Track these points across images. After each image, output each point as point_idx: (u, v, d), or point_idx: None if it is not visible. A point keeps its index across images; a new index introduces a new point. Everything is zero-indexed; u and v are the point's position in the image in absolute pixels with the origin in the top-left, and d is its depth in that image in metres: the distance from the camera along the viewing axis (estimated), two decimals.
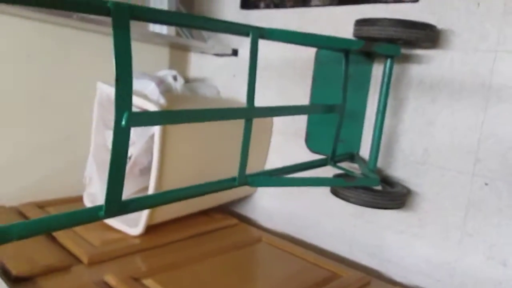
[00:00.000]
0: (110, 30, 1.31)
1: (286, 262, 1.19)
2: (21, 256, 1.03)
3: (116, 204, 0.67)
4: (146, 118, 0.65)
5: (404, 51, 1.15)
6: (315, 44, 0.96)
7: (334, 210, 1.36)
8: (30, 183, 1.36)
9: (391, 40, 1.04)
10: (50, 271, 1.01)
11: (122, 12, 0.62)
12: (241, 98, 1.58)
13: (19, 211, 1.29)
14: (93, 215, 0.65)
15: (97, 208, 0.66)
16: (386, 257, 1.26)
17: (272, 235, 1.37)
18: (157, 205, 0.76)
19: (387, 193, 1.07)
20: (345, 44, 0.96)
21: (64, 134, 1.40)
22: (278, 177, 0.95)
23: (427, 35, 1.03)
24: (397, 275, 1.24)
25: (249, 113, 0.83)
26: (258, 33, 0.84)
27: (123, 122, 0.62)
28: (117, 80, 0.61)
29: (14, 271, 0.96)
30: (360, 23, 1.05)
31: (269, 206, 1.54)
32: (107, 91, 1.23)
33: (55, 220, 0.62)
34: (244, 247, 1.25)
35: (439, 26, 1.11)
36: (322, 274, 1.13)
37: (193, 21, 0.73)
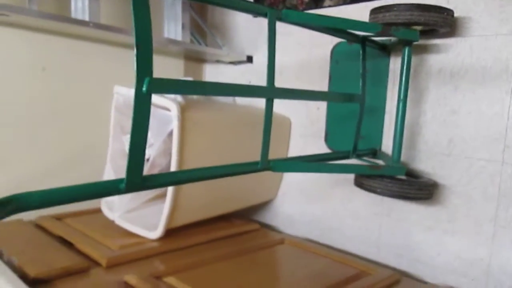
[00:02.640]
0: (124, 38, 1.33)
1: (311, 261, 1.14)
2: (39, 260, 1.01)
3: (137, 177, 0.65)
4: (167, 85, 0.64)
5: (421, 41, 1.14)
6: (331, 26, 0.95)
7: (358, 211, 1.31)
8: None
9: (408, 25, 1.03)
10: (68, 274, 0.98)
11: None
12: (258, 104, 1.57)
13: (36, 224, 1.27)
14: (113, 188, 0.63)
15: (118, 181, 0.64)
16: (415, 257, 1.20)
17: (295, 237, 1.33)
18: (178, 183, 0.73)
19: (414, 183, 1.03)
20: (362, 27, 0.95)
21: (81, 144, 1.39)
22: (301, 162, 0.92)
23: (444, 19, 1.02)
24: (428, 276, 1.18)
25: (269, 92, 0.82)
26: (275, 15, 0.83)
27: (144, 88, 0.61)
28: (137, 46, 0.61)
29: (32, 273, 0.93)
30: (376, 10, 1.04)
31: (290, 212, 1.50)
32: (125, 93, 1.23)
33: (76, 190, 0.59)
34: (266, 248, 1.21)
35: (456, 14, 1.10)
36: (349, 272, 1.07)
37: None
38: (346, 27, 0.95)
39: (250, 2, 0.80)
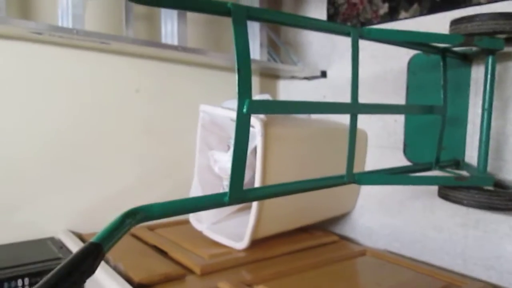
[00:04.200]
0: (207, 59, 1.42)
1: (395, 272, 1.14)
2: (140, 267, 1.10)
3: (239, 191, 0.71)
4: (263, 106, 0.70)
5: (505, 49, 1.11)
6: (412, 40, 0.97)
7: (441, 222, 1.29)
8: None
9: (492, 35, 1.02)
10: (167, 280, 1.06)
11: (240, 12, 0.68)
12: (332, 118, 1.60)
13: (132, 234, 1.39)
14: (219, 201, 0.70)
15: (223, 195, 0.70)
16: (507, 269, 1.16)
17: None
18: (271, 196, 0.78)
19: (504, 193, 1.01)
20: (444, 39, 0.96)
21: (171, 159, 1.50)
22: (385, 175, 0.94)
23: None
24: None
25: (354, 108, 0.85)
26: (357, 33, 0.87)
27: (245, 109, 0.67)
28: (238, 70, 0.67)
29: (136, 278, 1.03)
30: (457, 21, 1.04)
31: (369, 224, 1.50)
32: (210, 111, 1.32)
33: (188, 202, 0.66)
34: (349, 259, 1.23)
35: None
36: (437, 284, 1.06)
37: (299, 21, 0.78)
38: (427, 40, 0.97)
39: (334, 23, 0.84)
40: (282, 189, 0.79)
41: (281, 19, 0.76)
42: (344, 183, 0.90)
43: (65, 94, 1.30)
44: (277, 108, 0.73)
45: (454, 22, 1.05)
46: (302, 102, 0.75)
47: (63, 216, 1.33)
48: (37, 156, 1.27)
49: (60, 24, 1.15)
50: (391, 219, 1.43)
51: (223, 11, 0.68)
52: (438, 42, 1.00)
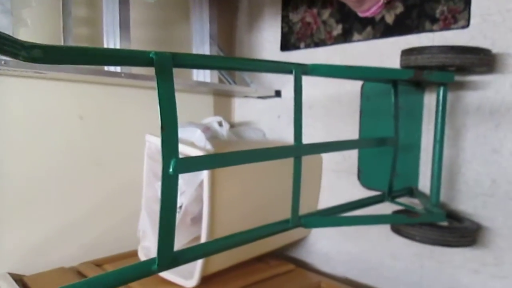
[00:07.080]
0: (154, 84, 1.34)
1: None
2: None
3: (168, 256, 0.65)
4: (193, 164, 0.63)
5: (457, 78, 1.09)
6: (361, 76, 0.93)
7: (398, 250, 1.27)
8: (87, 243, 1.37)
9: (442, 68, 0.99)
10: None
11: (164, 61, 0.62)
12: (288, 139, 1.55)
13: (78, 271, 1.29)
14: (146, 270, 0.63)
15: (150, 262, 0.64)
16: None
17: (332, 279, 1.30)
18: (210, 254, 0.72)
19: (455, 229, 0.98)
20: (393, 75, 0.93)
21: (117, 190, 1.42)
22: (333, 217, 0.90)
23: (481, 60, 0.97)
24: None
25: (297, 151, 0.80)
26: (301, 70, 0.82)
27: (171, 170, 0.61)
28: (162, 128, 0.61)
29: None
30: (407, 52, 1.01)
31: (326, 249, 1.46)
32: (156, 142, 1.24)
33: (108, 278, 0.60)
34: None
35: (494, 50, 1.05)
36: None
37: (235, 63, 0.72)
38: (377, 76, 0.93)
39: (274, 61, 0.79)
40: (219, 245, 0.73)
41: (214, 64, 0.70)
42: (289, 228, 0.85)
43: (4, 125, 1.19)
44: (209, 164, 0.67)
45: (405, 53, 1.02)
46: (237, 152, 0.69)
47: (3, 257, 1.23)
48: None
49: None
50: (348, 245, 1.40)
51: (146, 61, 0.61)
52: (389, 77, 0.97)
